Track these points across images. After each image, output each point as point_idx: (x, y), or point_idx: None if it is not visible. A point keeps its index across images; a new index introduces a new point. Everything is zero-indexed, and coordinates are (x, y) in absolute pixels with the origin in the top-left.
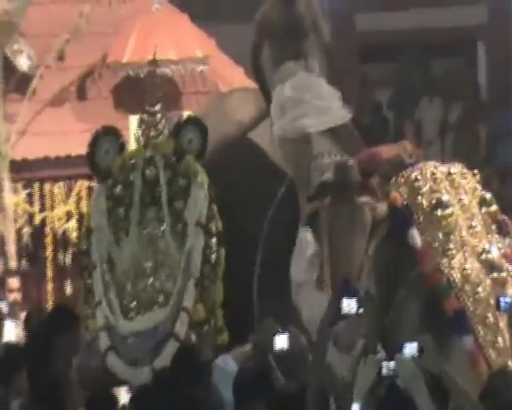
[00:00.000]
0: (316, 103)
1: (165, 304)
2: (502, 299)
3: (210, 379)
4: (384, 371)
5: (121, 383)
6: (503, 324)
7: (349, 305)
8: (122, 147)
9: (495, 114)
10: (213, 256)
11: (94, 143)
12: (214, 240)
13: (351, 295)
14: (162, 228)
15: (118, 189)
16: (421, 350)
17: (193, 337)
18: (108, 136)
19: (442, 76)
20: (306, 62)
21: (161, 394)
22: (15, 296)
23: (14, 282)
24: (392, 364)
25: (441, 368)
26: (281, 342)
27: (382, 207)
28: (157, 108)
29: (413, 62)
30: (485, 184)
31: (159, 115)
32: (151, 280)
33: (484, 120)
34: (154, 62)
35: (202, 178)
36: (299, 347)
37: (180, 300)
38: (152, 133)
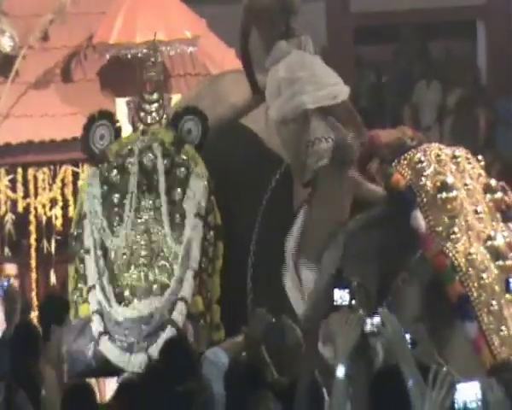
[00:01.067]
0: (311, 80)
1: (160, 293)
2: (511, 280)
3: (200, 371)
4: (368, 327)
5: (113, 370)
6: (507, 312)
7: (341, 296)
8: (118, 132)
9: (495, 99)
10: (211, 249)
11: (89, 127)
12: (212, 233)
13: (343, 286)
14: (158, 217)
15: (113, 174)
16: (414, 342)
17: (190, 329)
18: (104, 120)
19: (440, 59)
20: (299, 40)
21: (148, 386)
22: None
23: (10, 268)
24: (376, 319)
25: (435, 360)
26: (273, 333)
27: (376, 189)
28: (156, 95)
29: (411, 44)
30: (486, 171)
31: (158, 102)
32: (145, 270)
33: (483, 104)
34: (154, 47)
35: (202, 169)
36: (293, 339)
37: (177, 290)
38: (150, 120)
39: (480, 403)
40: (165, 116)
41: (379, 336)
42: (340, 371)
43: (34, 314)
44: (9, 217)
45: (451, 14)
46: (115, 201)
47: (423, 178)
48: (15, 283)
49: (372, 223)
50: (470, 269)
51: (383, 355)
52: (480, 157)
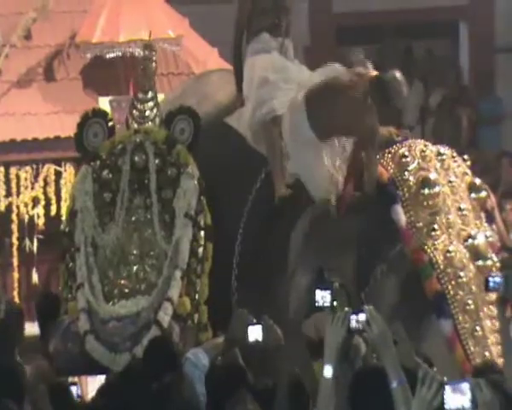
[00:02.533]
0: (282, 85)
1: (148, 292)
2: (491, 279)
3: (182, 371)
4: (353, 324)
5: (100, 368)
6: (483, 312)
7: (323, 297)
8: (111, 130)
9: (477, 99)
10: (200, 250)
11: (82, 125)
12: (202, 233)
13: (324, 286)
14: (149, 216)
15: (105, 172)
16: (394, 342)
17: (176, 329)
18: (98, 118)
19: (423, 59)
20: (282, 42)
21: (128, 386)
22: None
23: None
24: (361, 316)
25: (414, 360)
26: (254, 333)
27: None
28: (150, 94)
29: (393, 44)
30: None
31: (152, 101)
32: (135, 268)
33: (465, 104)
34: (149, 46)
35: (193, 169)
36: (274, 339)
37: (165, 290)
38: (144, 120)
39: (469, 404)
40: (158, 115)
41: (364, 333)
42: (328, 371)
43: None
44: None
45: (434, 14)
46: (107, 199)
47: (406, 173)
48: None
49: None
50: (448, 267)
51: (365, 352)
52: (465, 156)
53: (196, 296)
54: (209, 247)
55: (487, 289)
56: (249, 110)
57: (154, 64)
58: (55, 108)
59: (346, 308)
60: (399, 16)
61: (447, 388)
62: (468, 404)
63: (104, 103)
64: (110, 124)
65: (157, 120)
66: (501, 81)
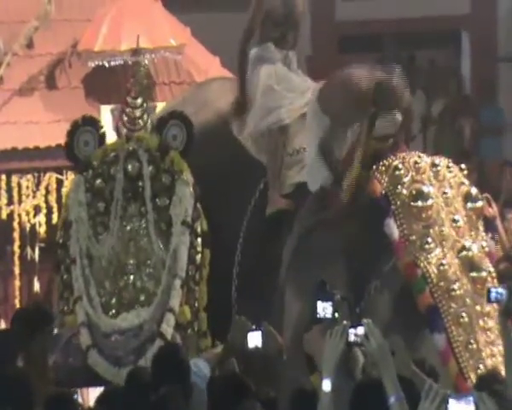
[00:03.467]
0: (286, 94)
1: (148, 303)
2: (493, 289)
3: (190, 381)
4: (351, 337)
5: (102, 381)
6: (478, 325)
7: (324, 309)
8: (102, 139)
9: (479, 109)
10: (198, 257)
11: (73, 133)
12: (199, 240)
13: (326, 298)
14: (144, 225)
15: (98, 181)
16: (391, 352)
17: (177, 338)
18: (88, 126)
19: (424, 68)
20: (287, 54)
21: (131, 394)
22: None
23: None
24: (359, 330)
25: (412, 370)
26: (254, 340)
27: None
28: (140, 99)
29: (395, 54)
30: (469, 179)
31: (142, 107)
32: (132, 278)
33: (467, 113)
34: (137, 51)
35: (187, 175)
36: (274, 346)
37: (165, 300)
38: (134, 126)
39: None
40: (149, 122)
41: (362, 347)
42: (326, 385)
43: None
44: None
45: (435, 23)
46: (100, 208)
47: (399, 186)
48: None
49: (333, 222)
50: (441, 280)
51: (363, 364)
52: (462, 166)
53: (196, 304)
54: (206, 253)
55: (489, 300)
56: (253, 118)
57: (142, 69)
58: (56, 116)
59: (345, 322)
60: (401, 25)
61: (451, 401)
62: None
63: (106, 112)
64: (101, 131)
65: (148, 125)
66: (503, 91)
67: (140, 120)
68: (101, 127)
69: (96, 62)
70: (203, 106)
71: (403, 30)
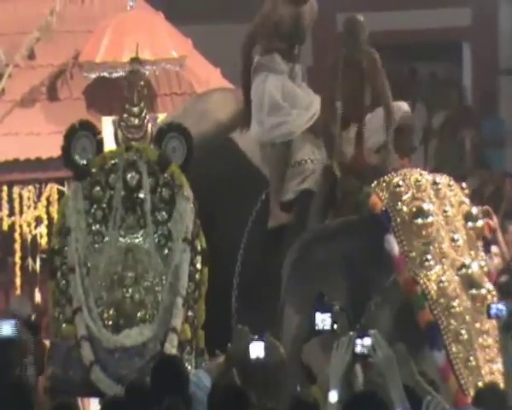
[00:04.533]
0: (292, 110)
1: (149, 320)
2: (493, 305)
3: (188, 393)
4: (358, 348)
5: (101, 394)
6: (478, 342)
7: (323, 320)
8: (100, 144)
9: (481, 120)
10: (198, 275)
11: (70, 138)
12: (199, 258)
13: (324, 310)
14: (142, 237)
15: (96, 189)
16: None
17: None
18: (85, 131)
19: (425, 80)
20: (293, 68)
21: (132, 405)
22: None
23: None
24: (366, 340)
25: (417, 380)
26: (256, 350)
27: None
28: (137, 108)
29: (396, 65)
30: (477, 192)
31: (140, 116)
32: (130, 291)
33: (469, 125)
34: (136, 60)
35: (188, 191)
36: (276, 356)
37: (167, 318)
38: (134, 135)
39: None
40: (149, 132)
41: (369, 358)
42: (333, 397)
43: None
44: None
45: (436, 35)
46: (98, 217)
47: (400, 203)
48: None
49: (332, 235)
50: (441, 297)
51: (368, 376)
52: (464, 185)
53: (195, 321)
54: (205, 271)
55: (489, 316)
56: (258, 129)
57: (139, 77)
58: (58, 127)
59: (351, 333)
60: (402, 37)
61: None
62: None
63: (107, 123)
64: (98, 137)
65: (148, 135)
66: (504, 103)
67: (139, 130)
68: (99, 132)
69: (98, 74)
70: (203, 117)
71: (403, 42)
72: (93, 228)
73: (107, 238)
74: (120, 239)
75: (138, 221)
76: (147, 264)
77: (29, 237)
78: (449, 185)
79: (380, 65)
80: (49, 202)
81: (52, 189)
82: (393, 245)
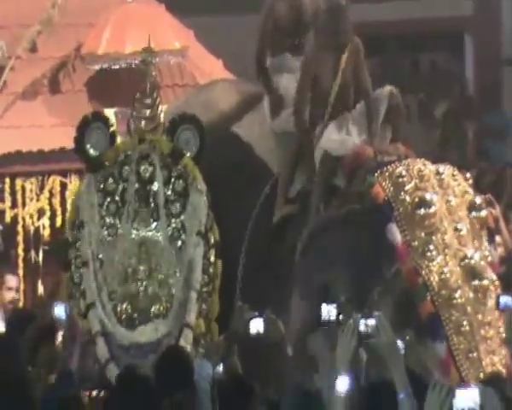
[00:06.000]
0: None
1: (163, 315)
2: (502, 297)
3: (194, 384)
4: (362, 328)
5: None
6: (480, 334)
7: (328, 311)
8: (113, 137)
9: (483, 112)
10: (211, 268)
11: (83, 130)
12: (212, 251)
13: (330, 300)
14: (156, 230)
15: (109, 182)
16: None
17: (192, 350)
18: (98, 123)
19: (427, 71)
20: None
21: (138, 397)
22: (13, 295)
23: (12, 280)
24: (370, 321)
25: (422, 364)
26: (256, 326)
27: None
28: (149, 99)
29: (398, 56)
30: (476, 184)
31: (153, 108)
32: (144, 284)
33: (471, 117)
34: (148, 50)
35: (201, 184)
36: (276, 333)
37: (181, 313)
38: (146, 126)
39: (478, 409)
40: (159, 119)
41: (372, 339)
42: (343, 384)
43: None
44: None
45: (437, 24)
46: (111, 210)
47: (403, 193)
48: (16, 295)
49: (336, 224)
50: (443, 288)
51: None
52: (468, 175)
53: (208, 315)
54: (218, 264)
55: (498, 307)
56: (279, 119)
57: (151, 66)
58: (60, 120)
59: (356, 316)
60: (403, 27)
61: (457, 392)
62: (476, 408)
63: (109, 115)
64: (112, 129)
65: (160, 126)
66: (507, 94)
67: (151, 122)
68: (112, 124)
69: (100, 66)
70: (206, 108)
71: (404, 32)
72: (106, 221)
73: (120, 231)
74: (134, 232)
75: (151, 214)
76: (160, 257)
77: (32, 230)
78: (453, 175)
79: (363, 55)
80: (51, 194)
81: (55, 181)
82: (396, 235)
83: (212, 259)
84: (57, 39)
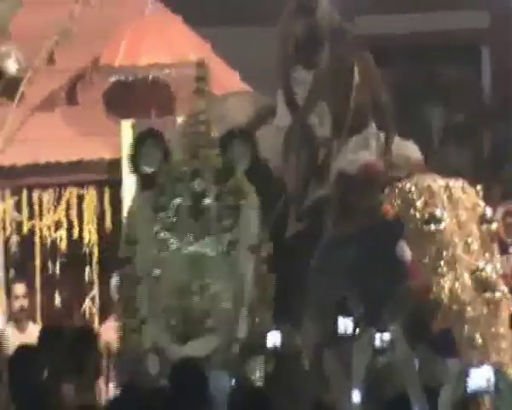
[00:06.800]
0: None
1: (214, 330)
2: None
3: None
4: (377, 343)
5: None
6: (493, 346)
7: (345, 325)
8: (167, 152)
9: (500, 123)
10: (263, 282)
11: (137, 147)
12: (264, 265)
13: (347, 314)
14: (208, 245)
15: (162, 198)
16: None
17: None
18: (152, 139)
19: (444, 83)
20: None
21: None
22: (21, 303)
23: (19, 288)
24: (385, 335)
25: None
26: (272, 339)
27: None
28: (204, 115)
29: (415, 68)
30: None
31: (207, 123)
32: (197, 299)
33: (487, 128)
34: (201, 65)
35: (253, 198)
36: (292, 347)
37: (232, 328)
38: (200, 142)
39: (492, 388)
40: (212, 136)
41: (388, 353)
42: (356, 396)
43: None
44: (15, 239)
45: (455, 37)
46: (165, 226)
47: (412, 210)
48: (25, 302)
49: (346, 241)
50: (454, 304)
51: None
52: (478, 187)
53: (261, 328)
54: (271, 277)
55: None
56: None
57: (206, 82)
58: (77, 131)
59: (371, 330)
60: (419, 39)
61: (472, 370)
62: (490, 388)
63: (126, 127)
64: (166, 145)
65: (212, 141)
66: None
67: (205, 136)
68: (166, 141)
69: (117, 77)
70: (222, 119)
71: (421, 45)
72: (160, 236)
73: (173, 247)
74: (187, 247)
75: (204, 229)
76: (212, 271)
77: (49, 241)
78: (463, 188)
79: (376, 69)
80: (68, 206)
81: (71, 192)
82: (406, 252)
83: (265, 273)
84: (74, 51)
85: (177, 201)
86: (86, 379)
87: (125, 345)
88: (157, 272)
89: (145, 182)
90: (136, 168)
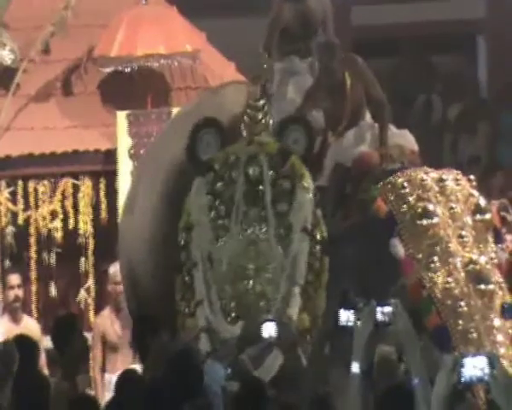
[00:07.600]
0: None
1: (267, 309)
2: (507, 306)
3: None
4: (379, 316)
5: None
6: (488, 340)
7: (347, 317)
8: (224, 140)
9: (496, 113)
10: (317, 264)
11: (195, 135)
12: (318, 247)
13: (349, 306)
14: (264, 229)
15: (219, 185)
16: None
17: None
18: (210, 128)
19: (441, 73)
20: (312, 62)
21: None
22: (16, 293)
23: (14, 278)
24: (386, 309)
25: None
26: (268, 330)
27: None
28: (262, 101)
29: (411, 58)
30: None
31: (263, 110)
32: (252, 283)
33: (484, 118)
34: (264, 57)
35: (308, 181)
36: (288, 338)
37: (284, 307)
38: (256, 129)
39: (486, 377)
40: (269, 123)
41: (389, 326)
42: (355, 367)
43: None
44: (10, 229)
45: (451, 27)
46: (221, 212)
47: (405, 205)
48: (19, 292)
49: (339, 238)
50: (447, 299)
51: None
52: (471, 177)
53: (314, 310)
54: (325, 260)
55: (504, 317)
56: None
57: (266, 72)
58: (72, 122)
59: (372, 303)
60: (416, 29)
61: (466, 359)
62: (485, 376)
63: (122, 117)
64: (223, 133)
65: (269, 128)
66: None
67: (262, 123)
68: (223, 129)
69: (112, 68)
70: (218, 111)
71: (418, 34)
72: (216, 223)
73: (229, 232)
74: (243, 232)
75: (260, 214)
76: (268, 256)
77: (44, 232)
78: (456, 179)
79: (367, 70)
80: (64, 197)
81: (67, 183)
82: (399, 248)
83: (319, 255)
84: (70, 41)
85: (233, 187)
86: (71, 365)
87: (183, 329)
88: (214, 257)
89: (201, 168)
90: (193, 157)
